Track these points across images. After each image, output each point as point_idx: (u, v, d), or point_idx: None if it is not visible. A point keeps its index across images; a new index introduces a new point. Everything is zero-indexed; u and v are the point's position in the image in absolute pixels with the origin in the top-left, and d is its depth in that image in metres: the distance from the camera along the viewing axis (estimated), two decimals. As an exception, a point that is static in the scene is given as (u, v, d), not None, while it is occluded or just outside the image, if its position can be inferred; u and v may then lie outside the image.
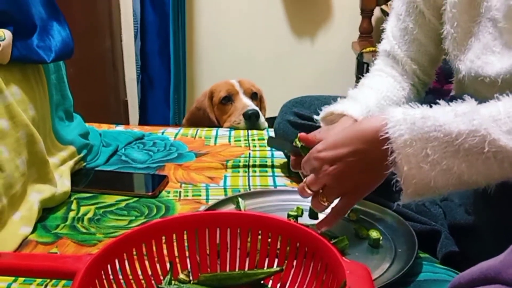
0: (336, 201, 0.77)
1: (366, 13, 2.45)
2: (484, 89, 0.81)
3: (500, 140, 0.60)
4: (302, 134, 0.82)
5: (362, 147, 0.70)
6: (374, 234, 0.84)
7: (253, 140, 1.46)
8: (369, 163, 0.71)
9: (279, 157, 1.27)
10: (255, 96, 1.85)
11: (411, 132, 0.64)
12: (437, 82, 1.50)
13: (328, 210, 0.79)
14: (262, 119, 1.74)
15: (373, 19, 2.48)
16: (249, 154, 1.33)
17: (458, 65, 0.87)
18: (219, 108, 1.82)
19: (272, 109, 1.93)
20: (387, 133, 0.66)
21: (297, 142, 0.83)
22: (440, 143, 0.63)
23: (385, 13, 2.16)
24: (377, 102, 0.91)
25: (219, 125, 1.79)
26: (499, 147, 0.60)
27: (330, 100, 1.08)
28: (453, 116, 0.63)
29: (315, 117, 0.97)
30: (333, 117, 0.91)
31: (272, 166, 1.24)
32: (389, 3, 2.29)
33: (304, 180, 0.78)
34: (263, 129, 1.63)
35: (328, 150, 0.74)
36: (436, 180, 0.64)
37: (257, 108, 1.74)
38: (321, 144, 0.76)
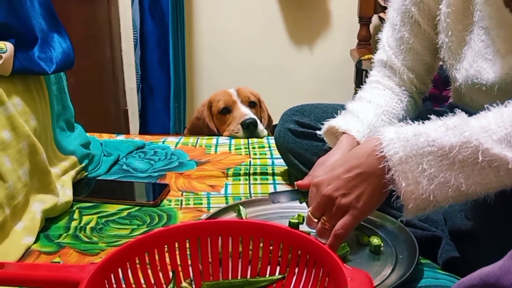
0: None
1: (364, 20, 2.46)
2: (481, 97, 0.82)
3: (492, 149, 0.61)
4: (299, 183, 0.84)
5: (357, 162, 0.72)
6: (375, 240, 0.84)
7: (254, 148, 1.47)
8: (366, 177, 0.71)
9: (280, 165, 1.28)
10: (253, 104, 1.86)
11: (405, 149, 0.66)
12: (435, 88, 1.51)
13: None
14: (260, 127, 1.74)
15: (371, 26, 2.50)
16: (250, 162, 1.33)
17: (454, 73, 0.88)
18: (218, 118, 1.84)
19: (272, 117, 1.95)
20: (382, 151, 0.68)
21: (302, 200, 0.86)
22: (435, 157, 0.64)
23: (383, 21, 2.18)
24: (377, 118, 0.91)
25: (219, 134, 1.80)
26: (493, 155, 0.61)
27: (329, 108, 1.09)
28: (444, 130, 0.65)
29: (317, 132, 0.98)
30: (335, 131, 0.92)
31: (273, 174, 1.25)
32: (386, 11, 2.30)
33: (308, 209, 0.78)
34: (262, 137, 1.64)
35: (325, 174, 0.75)
36: (435, 194, 0.65)
37: (255, 117, 1.75)
38: (319, 171, 0.78)
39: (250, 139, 1.57)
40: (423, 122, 0.69)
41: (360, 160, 0.72)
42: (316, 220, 0.76)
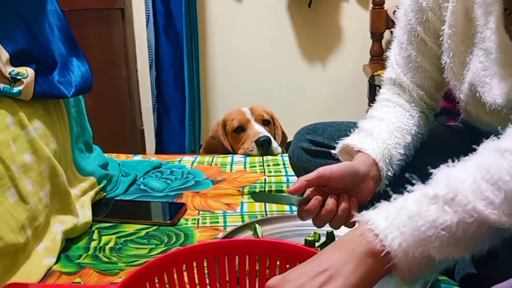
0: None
1: (376, 36, 2.47)
2: (486, 116, 0.82)
3: (483, 211, 0.55)
4: (290, 189, 0.77)
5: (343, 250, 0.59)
6: (391, 257, 0.84)
7: (268, 165, 1.48)
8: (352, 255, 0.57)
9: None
10: (267, 122, 1.88)
11: (406, 238, 0.56)
12: (448, 102, 1.51)
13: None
14: (274, 144, 1.75)
15: (384, 41, 2.51)
16: (265, 179, 1.34)
17: (458, 94, 0.88)
18: (232, 136, 1.86)
19: (287, 134, 1.96)
20: (382, 244, 0.56)
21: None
22: (442, 241, 0.55)
23: (395, 36, 2.18)
24: (390, 135, 0.91)
25: (234, 152, 1.82)
26: (485, 218, 0.55)
27: (342, 126, 1.09)
28: (441, 207, 0.56)
29: (332, 151, 0.98)
30: (349, 150, 0.92)
31: (288, 191, 1.25)
32: (398, 26, 2.31)
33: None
34: (276, 155, 1.65)
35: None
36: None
37: (269, 135, 1.76)
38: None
39: (264, 157, 1.58)
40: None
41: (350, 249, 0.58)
42: None
